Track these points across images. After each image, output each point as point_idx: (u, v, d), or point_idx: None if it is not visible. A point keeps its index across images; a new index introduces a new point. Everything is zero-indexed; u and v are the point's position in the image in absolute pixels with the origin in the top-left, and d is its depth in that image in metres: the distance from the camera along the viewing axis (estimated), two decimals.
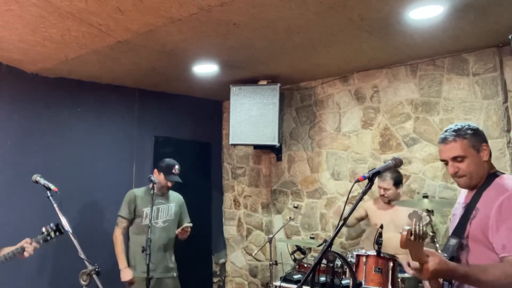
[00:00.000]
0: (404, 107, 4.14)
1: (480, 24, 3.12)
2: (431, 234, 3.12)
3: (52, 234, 2.79)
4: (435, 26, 3.14)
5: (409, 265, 1.69)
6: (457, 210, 2.02)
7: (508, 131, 3.58)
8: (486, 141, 1.91)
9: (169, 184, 3.65)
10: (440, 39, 3.46)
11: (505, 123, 3.57)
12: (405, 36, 3.35)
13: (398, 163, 1.98)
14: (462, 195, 2.04)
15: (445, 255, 1.87)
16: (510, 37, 2.85)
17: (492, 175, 1.88)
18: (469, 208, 1.86)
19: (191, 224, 3.62)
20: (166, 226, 3.59)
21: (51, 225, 2.78)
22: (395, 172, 3.58)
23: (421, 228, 1.52)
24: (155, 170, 3.70)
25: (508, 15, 2.95)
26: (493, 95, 3.63)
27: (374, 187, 3.70)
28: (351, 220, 3.92)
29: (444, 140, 1.92)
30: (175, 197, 3.83)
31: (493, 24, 3.13)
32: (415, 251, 1.59)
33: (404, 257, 3.39)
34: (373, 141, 4.33)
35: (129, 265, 3.52)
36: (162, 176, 3.63)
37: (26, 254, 2.74)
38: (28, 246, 2.73)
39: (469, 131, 1.88)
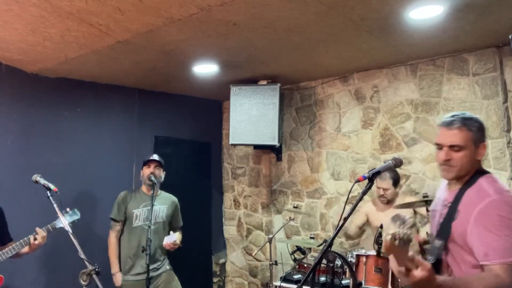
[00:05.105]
0: (404, 107, 4.14)
1: (480, 24, 3.12)
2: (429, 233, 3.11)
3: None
4: (435, 26, 3.14)
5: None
6: (437, 206, 1.96)
7: (508, 131, 3.58)
8: (485, 140, 1.85)
9: (151, 169, 3.55)
10: (440, 39, 3.45)
11: (505, 123, 3.57)
12: (405, 36, 3.35)
13: (398, 163, 1.95)
14: (442, 191, 1.98)
15: (431, 257, 1.83)
16: (510, 37, 2.85)
17: (477, 173, 1.83)
18: (452, 209, 1.81)
19: (179, 243, 3.50)
20: (155, 228, 3.51)
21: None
22: (392, 171, 3.57)
23: (405, 232, 1.46)
24: (141, 172, 3.69)
25: (508, 15, 2.95)
26: (493, 95, 3.63)
27: (374, 188, 3.70)
28: (353, 229, 3.90)
29: (448, 124, 1.82)
30: (168, 199, 3.73)
31: (493, 24, 3.13)
32: (400, 256, 1.51)
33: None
34: (373, 141, 4.33)
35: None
36: (143, 168, 3.62)
37: (33, 240, 2.81)
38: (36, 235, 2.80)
39: (476, 125, 1.81)
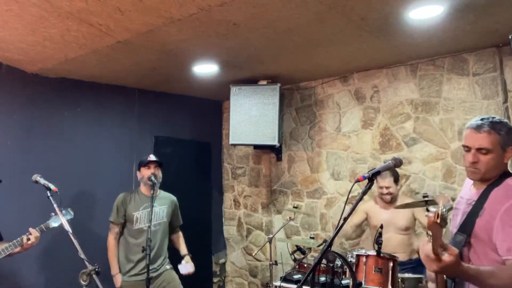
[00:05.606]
0: (404, 107, 4.14)
1: (480, 24, 3.12)
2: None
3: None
4: (435, 26, 3.14)
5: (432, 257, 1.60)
6: (461, 205, 1.98)
7: None
8: None
9: (152, 170, 3.53)
10: (440, 39, 3.45)
11: None
12: (405, 36, 3.35)
13: (398, 163, 1.97)
14: (466, 191, 2.00)
15: None
16: (510, 37, 2.86)
17: (504, 174, 1.86)
18: (477, 206, 1.84)
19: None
20: (156, 229, 3.53)
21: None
22: (392, 170, 3.58)
23: (444, 212, 1.48)
24: (137, 173, 3.66)
25: (508, 15, 2.95)
26: (493, 95, 3.63)
27: (374, 187, 3.70)
28: (348, 230, 3.85)
29: (477, 128, 1.86)
30: (167, 199, 3.74)
31: (493, 24, 3.13)
32: (437, 236, 1.51)
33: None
34: (373, 141, 4.33)
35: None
36: (141, 170, 3.59)
37: (26, 240, 2.80)
38: (29, 235, 2.79)
39: (505, 129, 1.85)
